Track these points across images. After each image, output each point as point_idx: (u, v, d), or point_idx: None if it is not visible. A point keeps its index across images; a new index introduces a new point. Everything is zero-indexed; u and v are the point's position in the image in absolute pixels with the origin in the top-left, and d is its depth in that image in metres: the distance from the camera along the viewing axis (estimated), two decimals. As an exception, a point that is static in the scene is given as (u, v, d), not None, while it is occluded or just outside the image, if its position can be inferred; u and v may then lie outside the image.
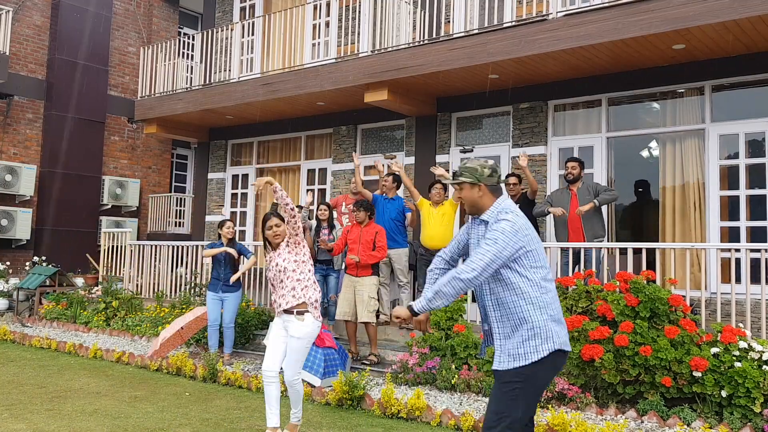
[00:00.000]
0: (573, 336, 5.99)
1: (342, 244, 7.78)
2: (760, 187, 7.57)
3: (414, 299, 8.52)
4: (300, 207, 8.54)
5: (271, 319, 8.63)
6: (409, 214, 8.59)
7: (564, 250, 7.57)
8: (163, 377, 7.18)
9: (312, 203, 8.72)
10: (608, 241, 7.83)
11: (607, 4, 7.30)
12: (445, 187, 8.18)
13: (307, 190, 9.16)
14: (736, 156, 7.77)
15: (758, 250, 6.61)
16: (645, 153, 8.75)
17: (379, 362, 7.42)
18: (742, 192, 7.66)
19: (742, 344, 5.57)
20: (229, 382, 6.78)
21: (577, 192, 7.62)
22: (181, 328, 7.97)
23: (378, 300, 7.69)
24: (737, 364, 5.42)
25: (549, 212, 7.69)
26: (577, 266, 7.43)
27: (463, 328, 6.91)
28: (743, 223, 7.62)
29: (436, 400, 6.10)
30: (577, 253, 7.43)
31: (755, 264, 6.95)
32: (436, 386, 6.56)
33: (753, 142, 7.71)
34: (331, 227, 8.35)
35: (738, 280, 6.97)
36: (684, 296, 6.18)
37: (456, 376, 6.46)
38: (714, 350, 5.58)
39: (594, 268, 6.87)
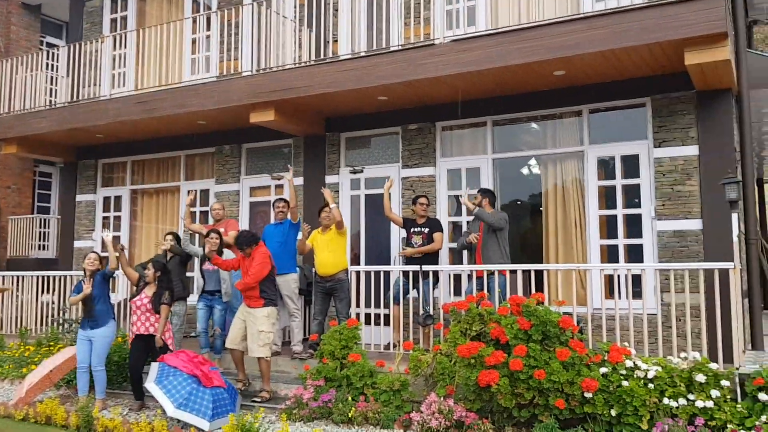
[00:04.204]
0: (470, 363, 5.98)
1: (236, 264, 7.43)
2: (635, 207, 7.98)
3: (306, 327, 8.32)
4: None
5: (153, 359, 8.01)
6: (300, 233, 8.26)
7: (469, 277, 7.84)
8: (30, 427, 6.51)
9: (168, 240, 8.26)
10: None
11: (492, 31, 7.44)
12: None
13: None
14: (612, 177, 8.15)
15: (637, 271, 7.00)
16: (525, 170, 9.00)
17: (271, 398, 7.08)
18: (619, 211, 8.04)
19: (629, 363, 5.79)
20: (107, 430, 6.20)
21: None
22: (51, 371, 7.25)
23: (271, 332, 7.28)
24: (624, 383, 5.62)
25: (468, 242, 7.86)
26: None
27: (358, 356, 6.75)
28: (621, 241, 7.99)
29: (334, 437, 5.88)
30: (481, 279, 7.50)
31: (636, 280, 7.31)
32: (332, 420, 6.33)
33: (627, 163, 8.09)
34: (220, 253, 7.84)
35: (620, 295, 7.28)
36: (571, 314, 6.37)
37: (353, 408, 6.27)
38: (603, 370, 5.76)
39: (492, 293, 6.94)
